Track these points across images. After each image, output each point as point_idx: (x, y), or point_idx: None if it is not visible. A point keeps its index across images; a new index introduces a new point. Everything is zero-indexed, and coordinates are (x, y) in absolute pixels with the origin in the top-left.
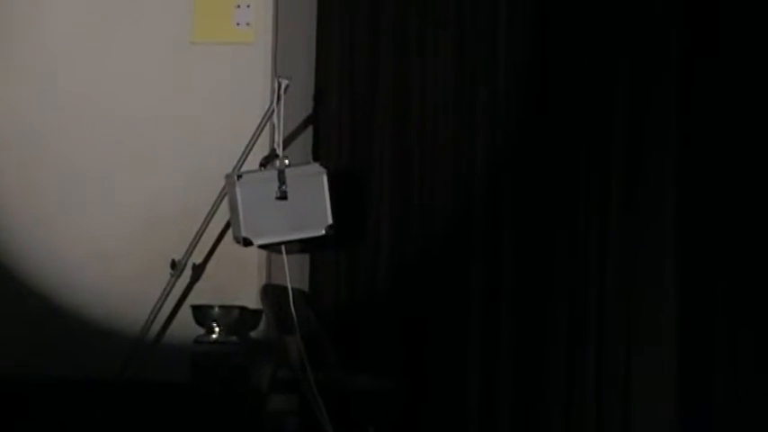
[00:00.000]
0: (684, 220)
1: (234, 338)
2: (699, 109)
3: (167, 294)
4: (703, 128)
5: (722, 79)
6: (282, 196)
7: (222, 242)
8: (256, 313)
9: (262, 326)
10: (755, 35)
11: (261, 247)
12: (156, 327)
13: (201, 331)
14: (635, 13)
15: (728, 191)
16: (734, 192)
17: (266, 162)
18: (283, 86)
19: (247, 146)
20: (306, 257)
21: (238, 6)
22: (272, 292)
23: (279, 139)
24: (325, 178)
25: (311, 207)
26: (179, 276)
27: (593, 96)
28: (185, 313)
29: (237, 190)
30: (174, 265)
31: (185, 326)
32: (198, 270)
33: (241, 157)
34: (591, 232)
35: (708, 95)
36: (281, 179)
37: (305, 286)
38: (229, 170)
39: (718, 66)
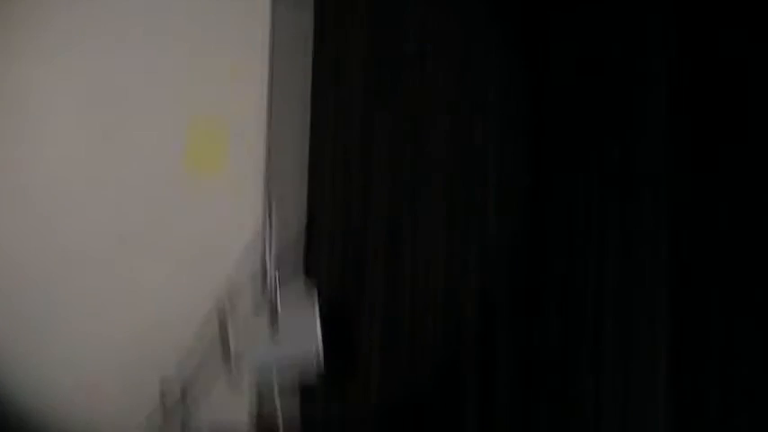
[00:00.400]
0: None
1: None
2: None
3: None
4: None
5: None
6: (275, 330)
7: (214, 370)
8: None
9: None
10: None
11: (252, 380)
12: None
13: None
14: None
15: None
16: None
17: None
18: (275, 209)
19: (238, 269)
20: (296, 389)
21: (231, 132)
22: (264, 424)
23: (270, 260)
24: (315, 300)
25: (302, 330)
26: (170, 405)
27: (585, 226)
28: None
29: (229, 321)
30: (164, 394)
31: None
32: (189, 398)
33: (233, 286)
34: (583, 347)
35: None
36: (273, 316)
37: (296, 421)
38: (221, 295)
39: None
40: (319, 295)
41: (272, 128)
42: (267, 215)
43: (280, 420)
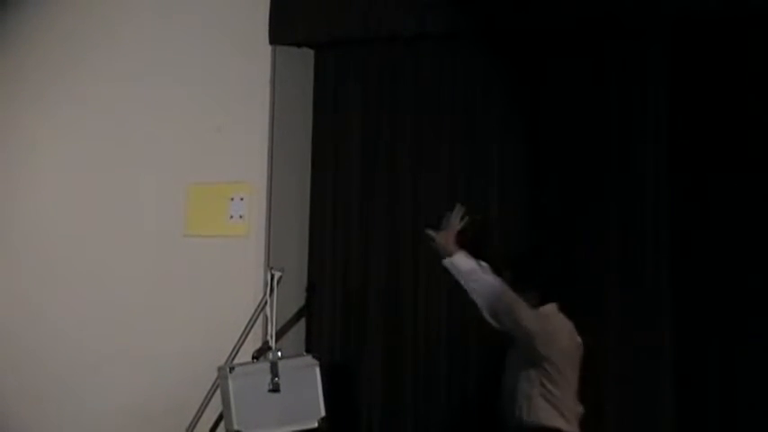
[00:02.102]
0: None
1: None
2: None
3: None
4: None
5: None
6: (275, 389)
7: None
8: None
9: None
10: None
11: None
12: None
13: None
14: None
15: None
16: None
17: (259, 354)
18: (276, 278)
19: (240, 338)
20: None
21: (232, 199)
22: None
23: (272, 330)
24: (317, 370)
25: (304, 399)
26: None
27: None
28: None
29: (230, 382)
30: None
31: None
32: None
33: (234, 350)
34: None
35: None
36: (274, 371)
37: None
38: (222, 362)
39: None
40: (320, 361)
41: (272, 196)
42: (268, 284)
43: None
